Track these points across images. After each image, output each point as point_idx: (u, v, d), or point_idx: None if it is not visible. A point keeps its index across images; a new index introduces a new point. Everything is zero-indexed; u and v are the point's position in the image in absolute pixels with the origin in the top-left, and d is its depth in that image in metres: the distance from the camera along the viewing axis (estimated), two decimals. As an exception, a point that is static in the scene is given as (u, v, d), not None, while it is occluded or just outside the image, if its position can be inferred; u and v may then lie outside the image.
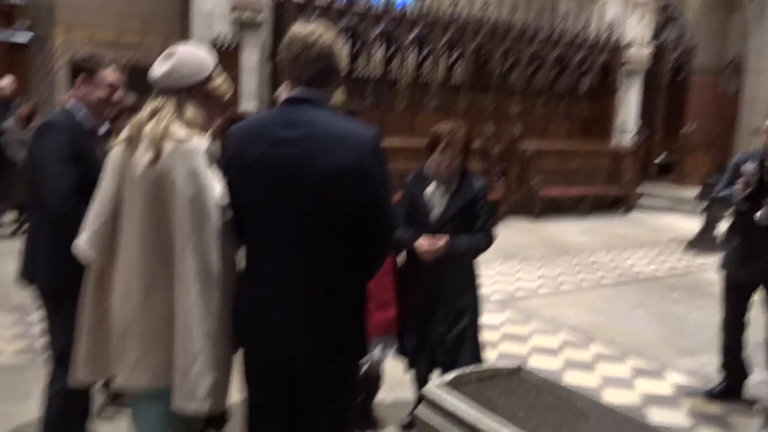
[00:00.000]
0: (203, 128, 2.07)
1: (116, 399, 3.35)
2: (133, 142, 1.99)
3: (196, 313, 1.94)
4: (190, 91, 2.05)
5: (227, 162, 2.06)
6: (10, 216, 7.67)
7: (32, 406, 3.17)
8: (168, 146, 1.94)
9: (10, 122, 7.26)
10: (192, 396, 1.94)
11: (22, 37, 9.19)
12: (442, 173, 3.08)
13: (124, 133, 2.05)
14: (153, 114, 2.00)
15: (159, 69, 2.04)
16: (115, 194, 2.03)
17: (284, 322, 1.98)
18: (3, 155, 7.31)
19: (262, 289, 2.03)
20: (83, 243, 2.06)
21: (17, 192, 6.73)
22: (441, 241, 2.98)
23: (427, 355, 3.13)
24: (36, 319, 4.55)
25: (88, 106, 2.67)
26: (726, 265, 3.92)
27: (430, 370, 3.20)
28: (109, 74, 2.67)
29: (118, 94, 2.71)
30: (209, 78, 2.10)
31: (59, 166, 2.49)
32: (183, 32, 11.16)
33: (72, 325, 2.24)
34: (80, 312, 2.14)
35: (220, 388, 2.01)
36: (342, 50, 2.03)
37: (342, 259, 1.99)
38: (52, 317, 2.66)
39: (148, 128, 1.97)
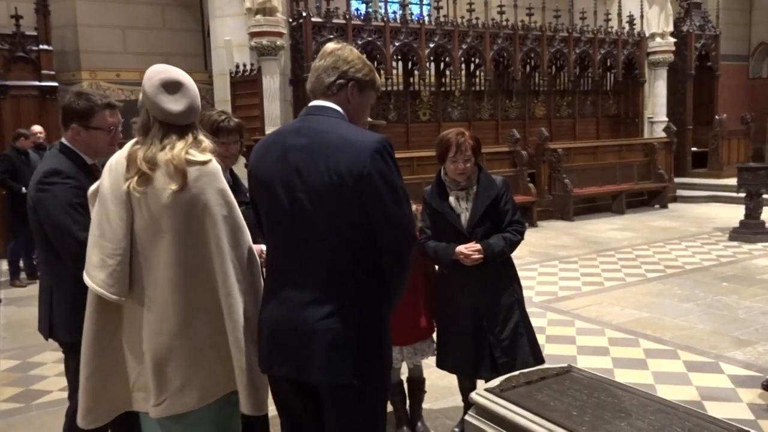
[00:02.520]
0: (216, 152, 2.08)
1: None
2: (145, 176, 1.95)
3: (244, 324, 2.02)
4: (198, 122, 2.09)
5: (250, 175, 2.06)
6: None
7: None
8: (193, 171, 1.95)
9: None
10: (259, 400, 2.05)
11: (50, 83, 9.41)
12: (459, 179, 3.04)
13: (130, 168, 1.97)
14: (164, 147, 1.98)
15: (175, 105, 2.00)
16: (128, 228, 1.97)
17: (292, 342, 1.92)
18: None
19: (272, 306, 1.99)
20: (102, 285, 1.97)
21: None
22: (477, 245, 2.94)
23: (488, 360, 3.05)
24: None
25: (88, 150, 2.54)
26: None
27: (493, 376, 3.13)
28: (108, 116, 2.53)
29: (119, 135, 2.59)
30: None
31: (73, 214, 2.37)
32: (205, 66, 11.40)
33: None
34: (84, 356, 2.07)
35: (267, 392, 2.11)
36: (358, 59, 2.00)
37: (353, 274, 1.91)
38: (73, 366, 2.52)
39: (164, 157, 1.96)
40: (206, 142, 2.06)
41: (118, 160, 2.04)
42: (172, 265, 1.97)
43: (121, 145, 2.14)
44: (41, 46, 9.35)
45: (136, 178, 1.95)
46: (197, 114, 2.07)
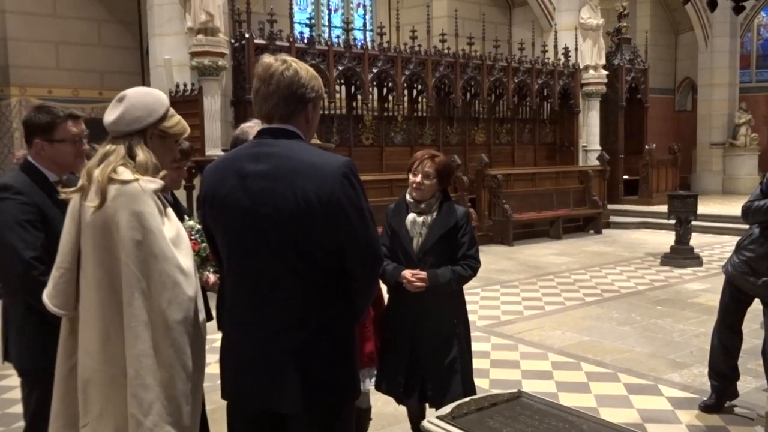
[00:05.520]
0: (155, 170, 2.00)
1: None
2: (84, 189, 1.95)
3: (148, 362, 1.85)
4: (143, 134, 2.01)
5: (202, 200, 1.99)
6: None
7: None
8: (112, 189, 1.89)
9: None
10: None
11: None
12: (417, 197, 3.02)
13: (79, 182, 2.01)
14: (102, 159, 1.95)
15: (110, 115, 2.00)
16: (75, 243, 1.96)
17: (263, 372, 1.88)
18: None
19: (240, 336, 1.94)
20: (45, 295, 2.00)
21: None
22: (422, 273, 2.91)
23: (418, 389, 3.01)
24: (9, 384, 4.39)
25: (52, 166, 2.44)
26: (735, 270, 3.72)
27: (421, 405, 3.09)
28: (71, 127, 2.46)
29: (85, 146, 2.51)
30: (163, 118, 2.05)
31: (19, 231, 2.27)
32: (143, 85, 11.10)
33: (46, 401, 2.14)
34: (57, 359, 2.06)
35: None
36: (311, 78, 1.94)
37: (324, 298, 1.89)
38: (27, 393, 2.47)
39: (96, 173, 1.92)
40: (142, 156, 1.96)
41: None
42: (92, 285, 1.93)
43: (89, 157, 2.12)
44: (-33, 60, 8.94)
45: (80, 190, 1.97)
46: (134, 124, 1.98)
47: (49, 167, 2.44)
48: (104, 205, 1.88)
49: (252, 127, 3.04)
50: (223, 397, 2.00)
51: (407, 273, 2.92)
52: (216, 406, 2.97)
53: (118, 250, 1.87)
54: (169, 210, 2.01)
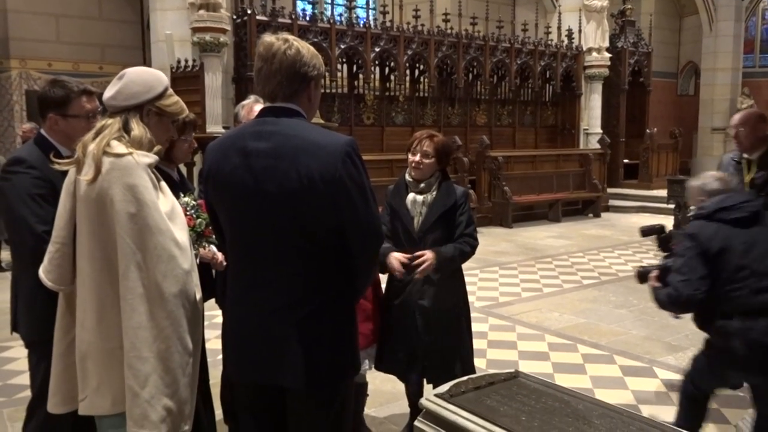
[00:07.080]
0: (150, 145, 2.01)
1: None
2: (80, 163, 1.95)
3: (144, 334, 1.87)
4: (139, 110, 2.02)
5: (205, 177, 2.01)
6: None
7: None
8: (106, 163, 1.90)
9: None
10: (144, 420, 1.85)
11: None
12: (416, 176, 3.04)
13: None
14: (98, 133, 1.97)
15: (109, 91, 2.02)
16: (70, 218, 1.97)
17: (264, 348, 1.91)
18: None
19: (241, 313, 1.96)
20: (41, 270, 2.02)
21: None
22: (428, 254, 2.90)
23: (418, 366, 3.05)
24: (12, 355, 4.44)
25: (65, 140, 2.43)
26: None
27: (420, 382, 3.14)
28: (86, 103, 2.45)
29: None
30: (161, 96, 2.07)
31: (32, 205, 2.29)
32: (144, 59, 11.05)
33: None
34: (54, 335, 2.08)
35: (178, 413, 1.92)
36: (312, 57, 1.94)
37: (325, 276, 1.91)
38: (35, 364, 2.48)
39: (92, 146, 1.93)
40: (137, 131, 1.98)
41: None
42: (88, 259, 1.94)
43: None
44: (-34, 31, 8.88)
45: (75, 164, 1.97)
46: (131, 99, 2.00)
47: (62, 142, 2.44)
48: (98, 179, 1.89)
49: (245, 104, 3.08)
50: (225, 371, 2.04)
51: (395, 262, 2.89)
52: (217, 381, 3.01)
53: (112, 223, 1.88)
54: (164, 184, 2.02)
